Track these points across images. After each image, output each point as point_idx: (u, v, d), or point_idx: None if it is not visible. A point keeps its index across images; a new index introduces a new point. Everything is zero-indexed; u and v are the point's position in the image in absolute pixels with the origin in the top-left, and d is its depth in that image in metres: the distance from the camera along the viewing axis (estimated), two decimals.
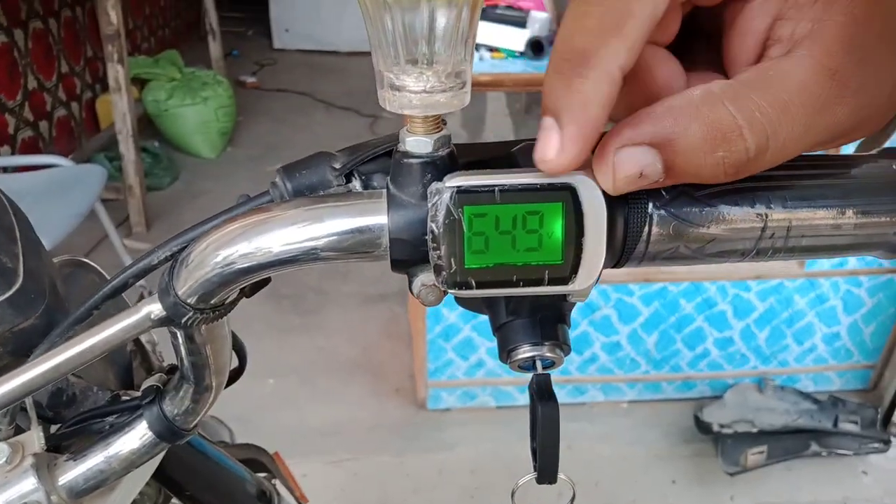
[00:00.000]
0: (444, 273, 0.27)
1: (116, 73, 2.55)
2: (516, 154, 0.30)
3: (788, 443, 1.77)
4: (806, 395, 1.84)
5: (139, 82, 3.34)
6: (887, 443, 1.79)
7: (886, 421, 1.82)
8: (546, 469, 0.32)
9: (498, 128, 2.20)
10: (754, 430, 1.76)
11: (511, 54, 1.64)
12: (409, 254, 0.28)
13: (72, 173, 2.18)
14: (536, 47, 1.61)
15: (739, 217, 0.27)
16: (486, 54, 1.63)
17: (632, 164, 0.25)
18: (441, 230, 0.26)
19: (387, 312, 2.32)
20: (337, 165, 0.31)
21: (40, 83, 2.96)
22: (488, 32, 1.64)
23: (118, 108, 2.61)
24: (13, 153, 2.73)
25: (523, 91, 2.00)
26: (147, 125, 3.39)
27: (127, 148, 2.67)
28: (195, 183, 3.23)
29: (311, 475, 1.74)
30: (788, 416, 1.79)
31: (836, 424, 1.78)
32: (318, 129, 3.83)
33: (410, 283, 0.29)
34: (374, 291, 2.42)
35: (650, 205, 0.27)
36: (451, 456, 1.82)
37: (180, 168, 3.31)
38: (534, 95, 2.10)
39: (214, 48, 4.01)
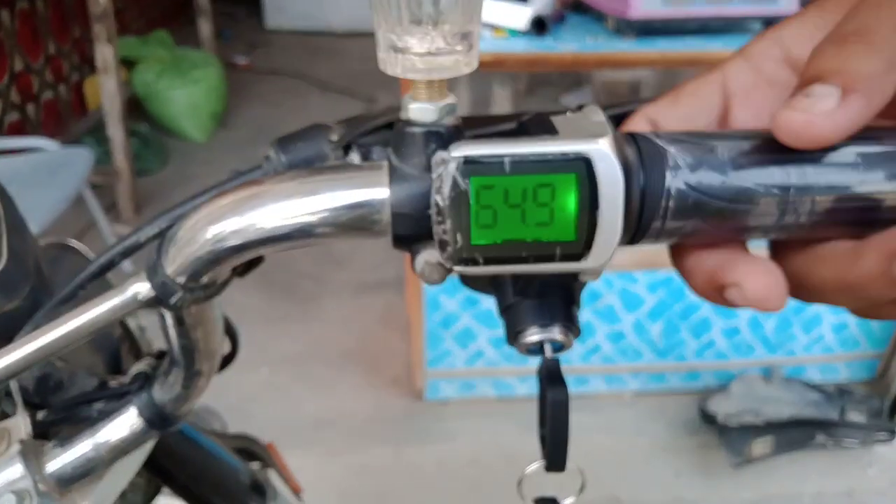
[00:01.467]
0: (449, 249, 0.26)
1: (104, 53, 2.49)
2: (526, 124, 0.29)
3: (794, 434, 1.75)
4: (812, 386, 1.82)
5: (128, 63, 3.27)
6: (894, 433, 1.78)
7: (893, 411, 1.81)
8: (555, 457, 0.30)
9: (503, 110, 2.16)
10: (760, 421, 1.74)
11: (513, 33, 1.60)
12: (412, 229, 0.27)
13: (58, 156, 2.14)
14: (539, 25, 1.56)
15: (762, 191, 0.26)
16: (488, 33, 1.58)
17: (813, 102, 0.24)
18: (446, 203, 0.25)
19: (383, 301, 2.29)
20: (334, 138, 0.31)
21: (27, 65, 2.90)
22: (490, 10, 1.59)
23: (106, 90, 2.55)
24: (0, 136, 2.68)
25: (526, 71, 1.95)
26: (136, 107, 3.33)
27: (115, 131, 2.61)
28: (185, 167, 3.18)
29: (306, 467, 1.69)
30: (794, 406, 1.77)
31: (842, 415, 1.77)
32: (313, 111, 3.78)
33: (413, 260, 0.28)
34: (371, 279, 2.38)
35: (668, 177, 0.26)
36: (450, 447, 1.79)
37: (170, 152, 3.25)
38: (536, 76, 2.05)
39: (205, 28, 3.95)
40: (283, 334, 2.15)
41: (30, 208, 1.82)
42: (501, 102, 1.96)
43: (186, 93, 3.23)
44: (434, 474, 1.73)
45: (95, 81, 2.80)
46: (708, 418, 1.77)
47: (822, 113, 0.23)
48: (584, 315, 1.75)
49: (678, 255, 0.29)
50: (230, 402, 1.85)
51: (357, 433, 1.82)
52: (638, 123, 0.29)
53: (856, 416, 1.77)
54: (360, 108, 3.80)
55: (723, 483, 1.72)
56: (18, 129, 2.82)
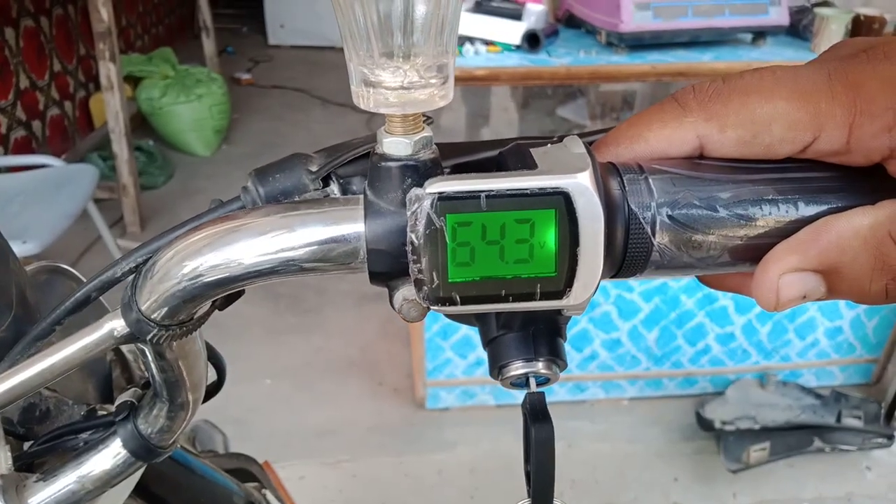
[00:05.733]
0: (425, 288, 0.25)
1: (108, 70, 2.52)
2: (505, 156, 0.27)
3: (791, 439, 1.75)
4: (808, 391, 1.82)
5: (133, 80, 3.31)
6: (891, 438, 1.78)
7: (890, 415, 1.80)
8: (541, 495, 0.29)
9: (499, 123, 2.18)
10: (756, 426, 1.74)
11: (507, 48, 1.62)
12: (388, 266, 0.26)
13: (63, 173, 2.16)
14: (533, 40, 1.59)
15: (749, 223, 0.25)
16: (482, 48, 1.60)
17: (796, 288, 0.25)
18: (422, 241, 0.24)
19: (384, 311, 2.30)
20: (313, 168, 0.29)
21: (32, 82, 2.94)
22: (483, 26, 1.61)
23: (111, 107, 2.58)
24: (6, 153, 2.71)
25: (520, 85, 1.97)
26: (141, 124, 3.37)
27: (120, 147, 2.64)
28: (190, 182, 3.21)
29: (308, 477, 1.73)
30: (791, 411, 1.77)
31: (839, 420, 1.77)
32: (315, 125, 3.81)
33: (391, 297, 0.27)
34: (372, 290, 2.38)
35: (653, 210, 0.25)
36: (450, 456, 1.80)
37: (175, 167, 3.28)
38: (530, 90, 2.07)
39: (208, 45, 3.98)
40: (285, 346, 2.16)
41: (35, 224, 1.87)
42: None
43: (190, 108, 3.26)
44: (434, 482, 1.74)
45: (101, 98, 2.83)
46: (705, 424, 1.77)
47: (791, 306, 0.25)
48: (581, 323, 1.76)
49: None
50: (233, 414, 1.88)
51: (359, 442, 1.84)
52: (686, 138, 0.26)
53: (853, 421, 1.77)
54: (360, 120, 3.83)
55: (720, 489, 1.73)
56: (25, 146, 2.86)
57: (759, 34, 1.68)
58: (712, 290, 1.73)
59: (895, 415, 1.80)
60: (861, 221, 0.24)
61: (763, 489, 1.73)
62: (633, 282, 1.72)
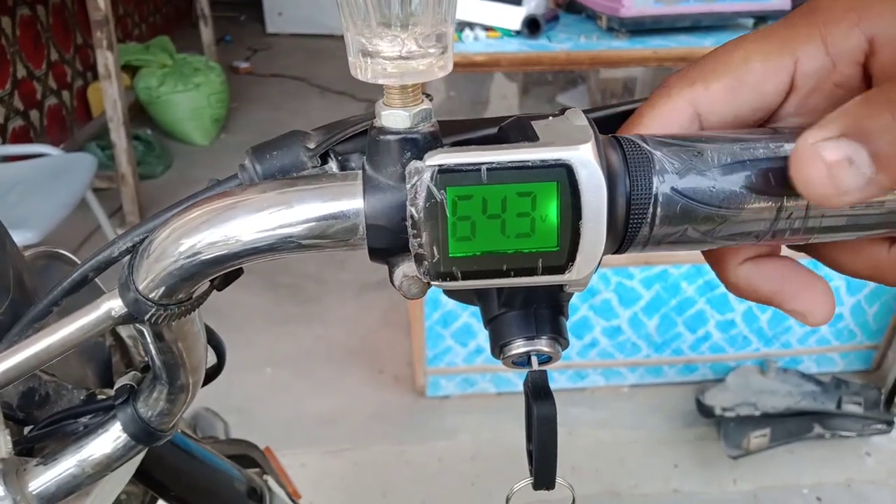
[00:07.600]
0: (426, 263, 0.25)
1: (106, 59, 2.51)
2: (506, 130, 0.27)
3: (791, 425, 1.76)
4: (809, 377, 1.82)
5: (131, 69, 3.30)
6: (891, 424, 1.78)
7: (890, 402, 1.80)
8: (543, 474, 0.29)
9: (499, 111, 2.17)
10: (757, 412, 1.74)
11: (507, 33, 1.60)
12: (388, 242, 0.25)
13: (61, 162, 2.16)
14: (533, 26, 1.57)
15: (754, 196, 0.25)
16: (482, 33, 1.59)
17: (834, 151, 0.22)
18: (421, 215, 0.24)
19: (385, 300, 2.30)
20: (311, 145, 0.28)
21: (30, 72, 2.93)
22: (483, 11, 1.60)
23: (108, 96, 2.57)
24: (4, 143, 2.71)
25: (520, 71, 1.96)
26: (139, 113, 3.36)
27: (118, 136, 2.63)
28: (188, 171, 3.21)
29: (310, 465, 1.73)
30: (791, 398, 1.77)
31: (839, 406, 1.77)
32: (314, 114, 3.80)
33: (391, 273, 0.26)
34: (373, 279, 2.39)
35: (655, 183, 0.24)
36: (451, 443, 1.81)
37: (173, 156, 3.28)
38: (531, 75, 2.06)
39: (206, 34, 3.97)
40: (286, 335, 2.17)
41: (33, 213, 1.86)
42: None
43: (189, 97, 3.25)
44: (435, 470, 1.75)
45: (99, 87, 2.82)
46: (705, 411, 1.78)
47: (848, 184, 0.22)
48: (581, 311, 1.76)
49: (718, 263, 0.29)
50: (234, 403, 1.88)
51: (359, 430, 1.84)
52: (677, 107, 0.26)
53: (853, 407, 1.77)
54: (359, 108, 3.82)
55: (721, 475, 1.73)
56: (23, 136, 2.85)
57: (761, 18, 1.67)
58: (712, 277, 1.73)
59: (895, 401, 1.80)
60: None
61: (763, 475, 1.74)
62: (633, 269, 1.72)
